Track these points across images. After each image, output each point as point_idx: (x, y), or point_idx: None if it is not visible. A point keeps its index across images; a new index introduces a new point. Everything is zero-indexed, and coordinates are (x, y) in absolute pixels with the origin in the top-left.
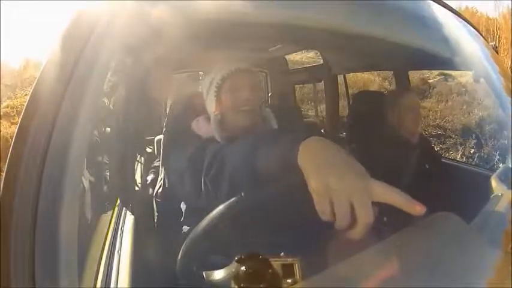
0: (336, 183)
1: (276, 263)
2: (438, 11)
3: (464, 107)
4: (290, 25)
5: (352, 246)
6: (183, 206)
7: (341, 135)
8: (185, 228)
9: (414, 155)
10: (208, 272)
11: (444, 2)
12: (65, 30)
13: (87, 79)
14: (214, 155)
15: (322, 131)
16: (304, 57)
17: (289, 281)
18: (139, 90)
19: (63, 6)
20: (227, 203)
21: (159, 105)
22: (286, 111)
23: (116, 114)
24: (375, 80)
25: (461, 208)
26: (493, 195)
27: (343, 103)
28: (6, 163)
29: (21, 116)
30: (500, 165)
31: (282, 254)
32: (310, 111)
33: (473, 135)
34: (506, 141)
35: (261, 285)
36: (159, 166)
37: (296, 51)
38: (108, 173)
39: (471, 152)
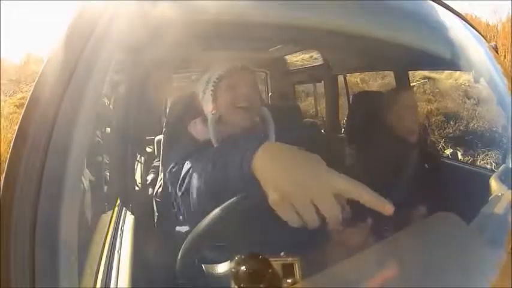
0: (291, 188)
1: (276, 263)
2: (438, 11)
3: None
4: (290, 25)
5: (352, 246)
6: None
7: (341, 135)
8: (185, 228)
9: (414, 155)
10: (210, 266)
11: (444, 3)
12: (65, 30)
13: (87, 79)
14: (187, 170)
15: (323, 131)
16: (305, 58)
17: (289, 281)
18: (139, 90)
19: (63, 6)
20: (227, 203)
21: (159, 105)
22: (286, 111)
23: (116, 114)
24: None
25: (461, 208)
26: (493, 195)
27: (343, 103)
28: (6, 163)
29: (21, 116)
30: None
31: (282, 254)
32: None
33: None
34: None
35: (261, 285)
36: (159, 166)
37: (296, 51)
38: (108, 173)
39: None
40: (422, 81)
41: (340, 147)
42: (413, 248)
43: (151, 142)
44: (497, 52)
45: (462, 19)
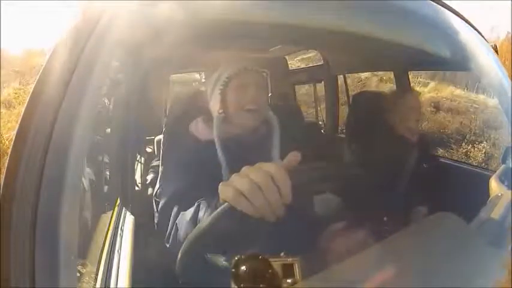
0: (242, 184)
1: (276, 263)
2: (438, 10)
3: None
4: (290, 25)
5: (352, 246)
6: None
7: (341, 135)
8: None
9: (414, 155)
10: (210, 266)
11: (444, 3)
12: (65, 30)
13: (87, 79)
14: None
15: (322, 131)
16: (306, 58)
17: (289, 281)
18: (139, 90)
19: (63, 6)
20: (226, 203)
21: (159, 105)
22: (287, 112)
23: (116, 114)
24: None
25: (461, 208)
26: (493, 195)
27: (343, 103)
28: (6, 163)
29: (21, 116)
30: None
31: (282, 254)
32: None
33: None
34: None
35: (261, 285)
36: (158, 165)
37: (296, 51)
38: (108, 173)
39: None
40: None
41: (340, 147)
42: (413, 248)
43: (152, 142)
44: (497, 53)
45: (462, 19)
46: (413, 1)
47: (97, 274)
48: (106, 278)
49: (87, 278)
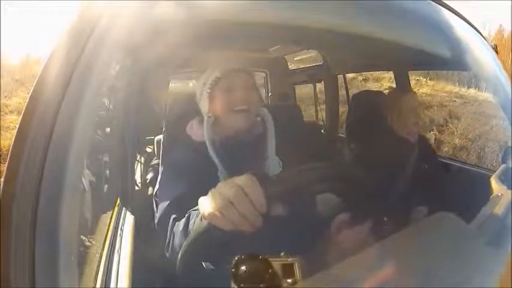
0: (217, 200)
1: (276, 263)
2: (438, 10)
3: None
4: (290, 25)
5: (352, 246)
6: None
7: (341, 135)
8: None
9: (413, 155)
10: (210, 266)
11: (444, 2)
12: (65, 31)
13: (87, 79)
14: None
15: (322, 131)
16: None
17: (289, 281)
18: (139, 90)
19: (63, 6)
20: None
21: (159, 105)
22: (286, 112)
23: (116, 114)
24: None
25: (461, 208)
26: (493, 195)
27: (342, 103)
28: (6, 163)
29: (21, 116)
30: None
31: (282, 254)
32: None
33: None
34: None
35: (261, 285)
36: (158, 163)
37: (296, 51)
38: (108, 173)
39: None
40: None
41: (339, 147)
42: (413, 248)
43: (151, 142)
44: (496, 52)
45: (462, 19)
46: (413, 1)
47: (97, 274)
48: (106, 278)
49: (87, 278)
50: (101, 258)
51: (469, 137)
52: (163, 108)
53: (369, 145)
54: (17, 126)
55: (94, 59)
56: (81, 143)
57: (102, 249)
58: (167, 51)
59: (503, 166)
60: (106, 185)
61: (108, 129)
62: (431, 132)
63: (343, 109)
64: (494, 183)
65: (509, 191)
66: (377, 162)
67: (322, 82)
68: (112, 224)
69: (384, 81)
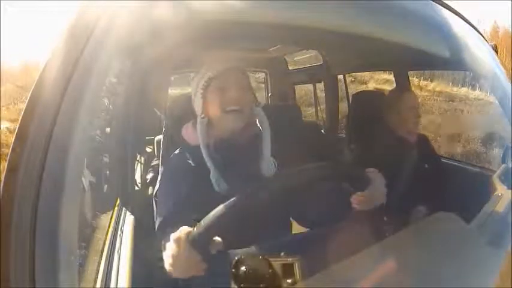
0: None
1: (276, 263)
2: (438, 10)
3: None
4: (290, 25)
5: (352, 246)
6: None
7: (341, 135)
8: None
9: (414, 155)
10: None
11: (444, 2)
12: (65, 31)
13: (87, 79)
14: None
15: (322, 131)
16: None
17: (289, 281)
18: (139, 90)
19: (63, 6)
20: (227, 202)
21: (159, 105)
22: (286, 112)
23: (116, 114)
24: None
25: (461, 208)
26: (493, 195)
27: (342, 103)
28: (6, 163)
29: (21, 117)
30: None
31: (282, 254)
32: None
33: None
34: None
35: (261, 285)
36: (158, 164)
37: (296, 51)
38: (108, 173)
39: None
40: None
41: (339, 147)
42: (413, 248)
43: (152, 142)
44: (496, 52)
45: (462, 19)
46: (413, 1)
47: (97, 274)
48: (106, 278)
49: (87, 278)
50: (101, 258)
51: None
52: (163, 108)
53: (369, 145)
54: (17, 126)
55: (94, 60)
56: (81, 143)
57: (102, 249)
58: (167, 52)
59: (503, 166)
60: (106, 185)
61: (108, 129)
62: None
63: (343, 109)
64: (494, 183)
65: (509, 191)
66: (377, 162)
67: (322, 82)
68: (112, 224)
69: (370, 82)
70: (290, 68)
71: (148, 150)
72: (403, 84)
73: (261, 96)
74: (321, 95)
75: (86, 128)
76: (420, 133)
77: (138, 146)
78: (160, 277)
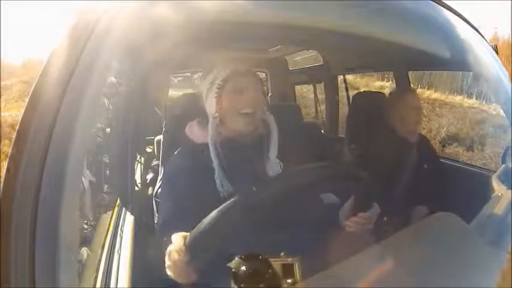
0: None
1: (276, 263)
2: (438, 10)
3: None
4: (290, 25)
5: (352, 246)
6: None
7: (341, 135)
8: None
9: (414, 155)
10: (210, 265)
11: (444, 3)
12: (65, 31)
13: (87, 79)
14: None
15: (322, 131)
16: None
17: (289, 281)
18: (139, 90)
19: (63, 6)
20: (227, 202)
21: (159, 105)
22: (286, 112)
23: (116, 114)
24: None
25: (461, 208)
26: (493, 195)
27: (342, 103)
28: (6, 163)
29: (21, 116)
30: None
31: (282, 254)
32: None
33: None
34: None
35: (261, 285)
36: (158, 165)
37: (296, 51)
38: (108, 173)
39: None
40: None
41: (339, 147)
42: (413, 248)
43: (152, 142)
44: (497, 52)
45: (462, 19)
46: (413, 1)
47: (97, 274)
48: (106, 278)
49: (87, 278)
50: (101, 258)
51: None
52: (163, 108)
53: (369, 145)
54: (17, 126)
55: (94, 59)
56: (81, 143)
57: (102, 249)
58: (167, 52)
59: (503, 166)
60: (106, 185)
61: (108, 129)
62: None
63: (343, 109)
64: (494, 183)
65: (509, 191)
66: (377, 162)
67: (322, 82)
68: (112, 224)
69: (361, 87)
70: (290, 68)
71: (148, 150)
72: (403, 84)
73: None
74: (321, 95)
75: (86, 128)
76: (420, 133)
77: (138, 146)
78: (160, 277)
